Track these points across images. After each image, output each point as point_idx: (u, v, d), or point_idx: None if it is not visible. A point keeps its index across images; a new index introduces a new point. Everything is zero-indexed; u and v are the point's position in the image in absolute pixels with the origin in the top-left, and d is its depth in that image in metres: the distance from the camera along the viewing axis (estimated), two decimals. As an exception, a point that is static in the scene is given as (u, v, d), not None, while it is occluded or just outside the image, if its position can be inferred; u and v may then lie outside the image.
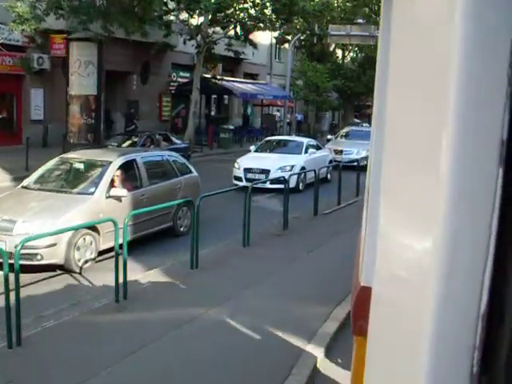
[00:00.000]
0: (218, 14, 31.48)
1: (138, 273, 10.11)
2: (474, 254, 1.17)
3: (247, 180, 19.93)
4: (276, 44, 52.09)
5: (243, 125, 44.40)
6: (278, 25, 33.00)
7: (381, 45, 2.38)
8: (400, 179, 1.62)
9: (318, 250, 11.83)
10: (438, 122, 1.21)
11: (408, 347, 1.40)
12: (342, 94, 52.75)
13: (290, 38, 45.39)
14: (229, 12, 30.56)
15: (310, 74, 45.16)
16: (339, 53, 56.08)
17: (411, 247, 1.44)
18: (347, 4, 53.11)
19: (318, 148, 23.22)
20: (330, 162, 23.47)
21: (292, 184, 18.38)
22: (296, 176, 19.71)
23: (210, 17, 31.21)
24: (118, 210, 10.91)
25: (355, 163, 23.85)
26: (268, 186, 19.22)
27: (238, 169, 20.39)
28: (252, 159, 21.07)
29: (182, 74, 39.19)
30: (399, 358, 1.52)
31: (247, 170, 20.15)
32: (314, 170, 16.44)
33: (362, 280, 2.33)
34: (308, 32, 43.74)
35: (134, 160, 12.37)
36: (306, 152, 21.47)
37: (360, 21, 46.94)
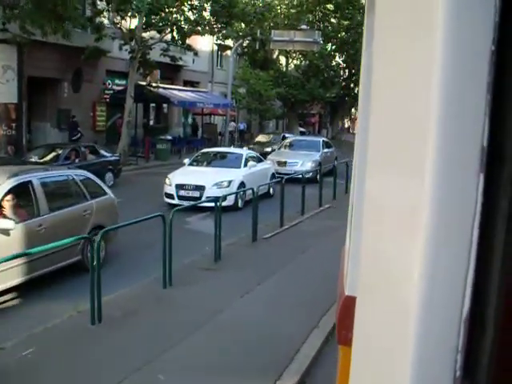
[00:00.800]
0: (154, 17, 29.18)
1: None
2: (456, 260, 1.19)
3: (180, 198, 17.76)
4: (218, 51, 49.99)
5: (192, 134, 42.11)
6: (217, 29, 30.74)
7: (364, 54, 2.39)
8: (382, 187, 1.58)
9: (252, 292, 9.62)
10: (420, 130, 1.22)
11: (391, 353, 1.40)
12: (286, 102, 51.01)
13: (231, 43, 43.31)
14: (164, 14, 28.17)
15: (252, 82, 43.25)
16: (283, 60, 54.32)
17: (392, 254, 1.42)
18: (291, 10, 51.45)
19: (259, 160, 21.07)
20: (273, 175, 21.39)
21: (230, 202, 16.26)
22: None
23: (144, 19, 28.86)
24: (3, 246, 8.59)
25: (300, 176, 22.07)
26: (203, 203, 17.08)
27: (170, 185, 18.12)
28: (185, 174, 18.82)
29: (117, 81, 36.56)
30: (382, 365, 1.51)
31: (179, 187, 17.89)
32: (252, 189, 14.25)
33: (347, 290, 2.39)
34: (250, 38, 41.68)
35: (30, 182, 9.96)
36: (245, 165, 19.31)
37: (304, 27, 45.36)
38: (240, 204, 18.02)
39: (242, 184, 18.37)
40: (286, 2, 51.60)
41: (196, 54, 45.84)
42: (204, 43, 46.66)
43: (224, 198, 13.44)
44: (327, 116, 65.40)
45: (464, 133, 1.15)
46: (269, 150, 31.06)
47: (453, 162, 1.16)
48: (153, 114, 43.65)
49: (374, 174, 1.72)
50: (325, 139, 29.98)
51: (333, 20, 55.88)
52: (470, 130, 1.15)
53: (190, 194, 17.70)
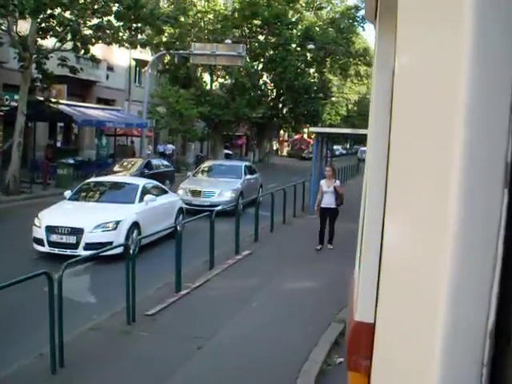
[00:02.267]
0: (52, 21, 24.36)
1: None
2: (481, 275, 1.15)
3: (51, 244, 13.09)
4: (136, 67, 45.27)
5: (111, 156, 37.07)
6: (125, 36, 26.06)
7: (378, 75, 2.48)
8: (405, 207, 1.65)
9: None
10: (444, 146, 1.21)
11: (415, 373, 1.35)
12: (210, 122, 46.62)
13: (150, 58, 38.72)
14: (56, 14, 23.34)
15: (171, 100, 38.68)
16: (207, 78, 50.05)
17: (416, 274, 1.41)
18: (216, 26, 47.34)
19: (162, 192, 16.50)
20: (181, 211, 16.84)
21: (117, 249, 11.69)
22: (123, 238, 13.03)
23: (37, 22, 24.02)
24: None
25: (217, 208, 17.75)
26: (81, 252, 12.51)
27: (39, 227, 13.36)
28: (60, 212, 14.06)
29: (16, 96, 31.38)
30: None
31: (51, 230, 13.14)
32: (138, 241, 9.75)
33: (357, 315, 2.38)
34: (167, 50, 37.26)
35: None
36: (141, 200, 14.68)
37: (228, 41, 41.29)
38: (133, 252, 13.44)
39: (136, 225, 13.80)
40: (211, 16, 47.48)
41: (111, 68, 41.48)
42: (121, 58, 42.01)
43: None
44: (254, 137, 61.33)
45: (488, 149, 1.13)
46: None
47: (477, 178, 1.13)
48: (61, 135, 38.57)
49: (395, 193, 1.84)
50: (248, 164, 25.62)
51: (260, 37, 52.19)
52: (495, 146, 1.13)
53: (64, 240, 13.02)
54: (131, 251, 9.22)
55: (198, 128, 44.51)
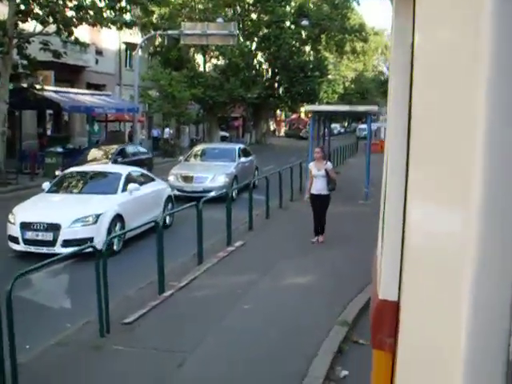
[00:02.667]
0: (31, 2, 23.04)
1: None
2: (506, 253, 1.13)
3: (26, 242, 11.97)
4: (126, 50, 43.82)
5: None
6: (113, 16, 24.70)
7: (397, 54, 2.45)
8: (428, 185, 1.63)
9: None
10: (469, 124, 1.16)
11: (440, 359, 1.35)
12: (204, 104, 45.29)
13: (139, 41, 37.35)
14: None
15: (163, 83, 37.36)
16: (200, 59, 48.66)
17: (440, 258, 1.42)
18: (208, 5, 45.86)
19: (149, 179, 15.32)
20: (169, 199, 15.70)
21: (98, 244, 10.53)
22: (104, 232, 11.90)
23: (16, 4, 22.73)
24: None
25: (210, 193, 16.76)
26: (59, 249, 11.39)
27: (14, 223, 12.21)
28: (36, 207, 12.89)
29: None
30: (432, 371, 1.47)
31: (26, 226, 12.00)
32: (109, 242, 8.65)
33: (381, 293, 2.37)
34: (157, 31, 35.87)
35: None
36: (123, 189, 13.51)
37: (220, 20, 39.88)
38: (117, 246, 12.34)
39: (119, 217, 12.66)
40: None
41: (100, 52, 40.06)
42: (110, 41, 40.64)
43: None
44: (251, 119, 59.97)
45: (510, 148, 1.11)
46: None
47: (504, 155, 1.10)
48: (51, 123, 37.26)
49: (418, 171, 1.83)
50: (242, 146, 24.27)
51: (253, 15, 50.70)
52: None
53: (40, 237, 11.88)
54: (103, 249, 7.95)
55: (192, 111, 43.20)
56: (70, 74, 35.55)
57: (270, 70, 53.35)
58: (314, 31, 51.91)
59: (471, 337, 1.14)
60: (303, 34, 52.88)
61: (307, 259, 11.31)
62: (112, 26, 25.32)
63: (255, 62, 51.64)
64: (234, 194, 19.15)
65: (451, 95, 1.35)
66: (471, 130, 1.12)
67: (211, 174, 19.82)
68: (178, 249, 11.97)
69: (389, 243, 2.38)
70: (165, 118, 41.89)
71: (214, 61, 49.42)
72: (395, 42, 2.46)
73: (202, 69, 47.43)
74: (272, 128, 77.63)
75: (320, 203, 12.75)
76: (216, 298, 9.05)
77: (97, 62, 39.08)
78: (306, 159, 20.60)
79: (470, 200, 1.12)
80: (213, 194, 17.53)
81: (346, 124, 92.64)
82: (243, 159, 22.17)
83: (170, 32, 35.80)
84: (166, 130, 42.98)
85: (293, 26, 51.73)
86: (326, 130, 27.14)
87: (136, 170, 15.23)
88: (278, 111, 74.07)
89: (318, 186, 12.68)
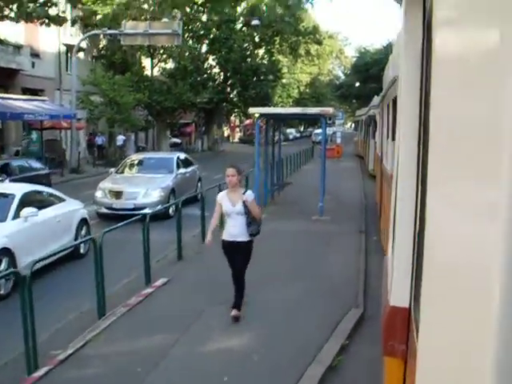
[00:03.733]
0: None
1: None
2: None
3: None
4: (67, 52, 40.46)
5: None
6: (38, 10, 21.61)
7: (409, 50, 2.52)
8: (444, 195, 1.61)
9: None
10: (491, 129, 1.14)
11: (456, 366, 1.34)
12: (152, 110, 42.20)
13: (82, 43, 34.14)
14: None
15: (105, 87, 34.24)
16: (147, 62, 45.59)
17: (455, 265, 1.40)
18: (153, 7, 42.74)
19: (57, 200, 12.31)
20: (83, 222, 12.73)
21: None
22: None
23: None
24: None
25: (142, 211, 14.04)
26: None
27: None
28: None
29: None
30: (450, 378, 1.44)
31: None
32: None
33: (391, 300, 2.38)
34: (87, 28, 32.73)
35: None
36: (16, 216, 10.46)
37: (165, 20, 36.97)
38: (4, 290, 9.42)
39: (6, 252, 9.68)
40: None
41: (36, 55, 36.67)
42: (48, 43, 37.33)
43: None
44: (202, 124, 56.96)
45: None
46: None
47: None
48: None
49: (435, 182, 1.80)
50: (182, 155, 21.27)
51: (203, 17, 47.82)
52: None
53: None
54: None
55: (139, 116, 40.06)
56: (3, 79, 32.16)
57: (221, 74, 50.47)
58: (267, 33, 49.29)
59: (496, 342, 1.06)
60: (256, 36, 50.28)
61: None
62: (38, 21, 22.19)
63: (206, 65, 48.75)
64: (170, 211, 16.46)
65: (471, 102, 1.31)
66: (494, 131, 1.08)
67: (144, 188, 16.89)
68: (83, 292, 9.10)
69: (400, 250, 2.40)
70: (109, 125, 38.68)
71: (162, 64, 46.37)
72: (405, 48, 2.52)
73: (149, 72, 44.32)
74: (226, 134, 74.82)
75: (237, 255, 8.10)
76: (106, 381, 6.18)
77: (33, 65, 35.73)
78: (252, 169, 17.91)
79: (490, 208, 1.08)
80: (147, 211, 14.75)
81: (302, 129, 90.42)
82: (182, 170, 19.21)
83: (109, 32, 32.65)
84: (120, 137, 39.92)
85: (245, 29, 49.10)
86: (277, 135, 24.51)
87: (37, 190, 12.15)
88: (232, 116, 71.15)
89: (234, 230, 8.00)
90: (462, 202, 1.40)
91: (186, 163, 20.21)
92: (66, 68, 40.84)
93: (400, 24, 2.86)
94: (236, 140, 75.80)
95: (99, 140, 39.89)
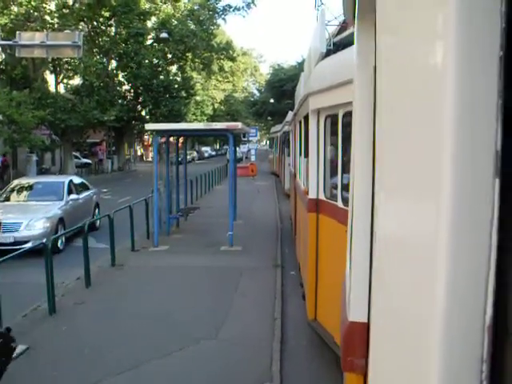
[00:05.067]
0: None
1: None
2: (475, 266, 1.10)
3: None
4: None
5: None
6: None
7: (361, 68, 2.48)
8: (394, 205, 1.56)
9: None
10: (434, 138, 1.17)
11: (414, 367, 1.31)
12: (56, 129, 39.17)
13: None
14: None
15: (1, 104, 31.12)
16: (51, 78, 42.52)
17: (412, 262, 1.35)
18: (55, 20, 39.90)
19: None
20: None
21: None
22: None
23: None
24: None
25: (25, 245, 11.68)
26: None
27: None
28: None
29: None
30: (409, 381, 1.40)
31: None
32: None
33: (351, 315, 2.32)
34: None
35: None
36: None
37: (67, 32, 34.18)
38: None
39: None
40: (51, 7, 39.96)
41: None
42: None
43: None
44: (112, 144, 54.02)
45: (478, 139, 1.08)
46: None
47: (468, 168, 1.09)
48: None
49: (383, 191, 1.76)
50: (76, 179, 18.52)
51: (112, 31, 45.19)
52: (484, 136, 1.08)
53: None
54: None
55: (41, 136, 36.92)
56: None
57: (132, 91, 47.84)
58: (178, 48, 47.08)
59: (444, 357, 1.09)
60: (168, 52, 48.01)
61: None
62: None
63: (116, 81, 46.07)
64: (59, 244, 14.06)
65: (417, 112, 1.32)
66: (438, 145, 1.10)
67: (27, 218, 14.28)
68: None
69: (357, 265, 2.35)
70: (9, 145, 35.36)
71: (67, 80, 43.39)
72: (358, 63, 2.54)
73: (53, 89, 41.28)
74: (139, 153, 71.96)
75: None
76: None
77: None
78: (151, 194, 15.74)
79: (438, 218, 1.09)
80: (29, 245, 12.38)
81: (218, 147, 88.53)
82: (74, 196, 16.52)
83: (1, 42, 29.66)
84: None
85: (155, 44, 46.82)
86: (183, 153, 22.42)
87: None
88: (146, 136, 68.38)
89: None
90: (402, 215, 1.43)
91: (81, 187, 17.64)
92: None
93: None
94: (150, 159, 73.11)
95: (-3, 161, 36.45)
